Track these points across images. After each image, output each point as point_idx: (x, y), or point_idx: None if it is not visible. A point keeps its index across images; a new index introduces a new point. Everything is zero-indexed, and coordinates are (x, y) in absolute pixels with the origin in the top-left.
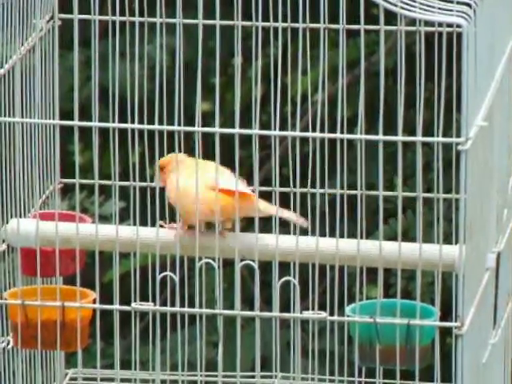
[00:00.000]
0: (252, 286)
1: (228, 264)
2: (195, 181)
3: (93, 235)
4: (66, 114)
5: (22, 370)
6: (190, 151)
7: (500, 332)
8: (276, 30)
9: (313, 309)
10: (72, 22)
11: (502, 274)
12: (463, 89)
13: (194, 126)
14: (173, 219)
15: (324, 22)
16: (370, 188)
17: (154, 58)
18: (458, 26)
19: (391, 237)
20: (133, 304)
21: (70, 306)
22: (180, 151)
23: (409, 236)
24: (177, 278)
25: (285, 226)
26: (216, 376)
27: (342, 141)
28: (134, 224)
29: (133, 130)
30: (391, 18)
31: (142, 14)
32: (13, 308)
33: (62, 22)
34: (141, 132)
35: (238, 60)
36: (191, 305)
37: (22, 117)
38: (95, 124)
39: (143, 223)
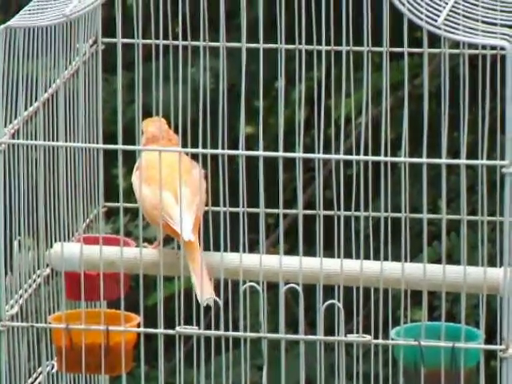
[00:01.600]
0: (296, 309)
1: (272, 287)
2: (156, 190)
3: (137, 259)
4: (110, 138)
5: None
6: (233, 175)
7: None
8: (319, 52)
9: (357, 332)
10: (115, 45)
11: None
12: (507, 111)
13: (237, 149)
14: (217, 243)
15: (367, 45)
16: (413, 211)
17: (197, 80)
18: (502, 48)
19: (435, 259)
20: (177, 328)
21: (115, 329)
22: (224, 175)
23: (453, 258)
24: (221, 302)
25: (329, 249)
26: None
27: (385, 163)
28: (178, 248)
29: None
30: (435, 40)
31: (185, 38)
32: (57, 332)
33: (105, 46)
34: None
35: (281, 83)
36: (235, 328)
37: (66, 141)
38: (139, 148)
39: None
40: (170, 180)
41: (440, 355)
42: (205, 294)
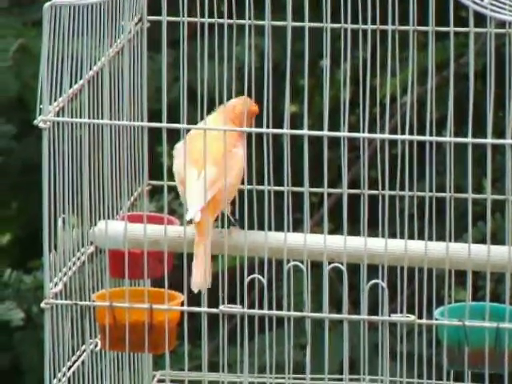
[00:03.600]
0: (340, 288)
1: (316, 266)
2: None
3: (181, 237)
4: (154, 116)
5: (110, 372)
6: (278, 153)
7: None
8: (365, 32)
9: (401, 312)
10: (160, 23)
11: None
12: None
13: (282, 128)
14: (261, 221)
15: (413, 25)
16: (458, 190)
17: (242, 59)
18: None
19: (480, 239)
20: (221, 306)
21: (158, 308)
22: (268, 154)
23: (497, 239)
24: (265, 281)
25: (373, 229)
26: (304, 378)
27: (430, 143)
28: (222, 226)
29: None
30: (480, 19)
31: (230, 16)
32: (101, 310)
33: (150, 24)
34: None
35: (326, 62)
36: (279, 307)
37: (111, 119)
38: (183, 126)
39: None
40: (201, 157)
41: (484, 335)
42: (197, 279)
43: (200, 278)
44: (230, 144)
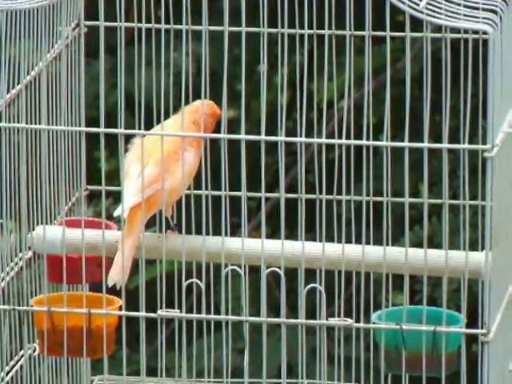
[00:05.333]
0: (278, 292)
1: (254, 271)
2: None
3: (118, 242)
4: (92, 121)
5: (48, 377)
6: (215, 157)
7: None
8: (302, 36)
9: (338, 315)
10: (98, 28)
11: None
12: (489, 95)
13: (219, 132)
14: (199, 226)
15: (350, 29)
16: (395, 195)
17: (179, 65)
18: (484, 32)
19: (417, 243)
20: (159, 311)
21: (96, 312)
22: (206, 158)
23: (434, 243)
24: (203, 285)
25: (311, 233)
26: (242, 383)
27: (367, 147)
28: (160, 231)
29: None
30: (417, 24)
31: (167, 21)
32: (39, 315)
33: (87, 29)
34: None
35: (263, 67)
36: (217, 311)
37: (48, 124)
38: (121, 131)
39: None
40: (147, 156)
41: (421, 339)
42: (114, 274)
43: (117, 273)
44: (178, 146)
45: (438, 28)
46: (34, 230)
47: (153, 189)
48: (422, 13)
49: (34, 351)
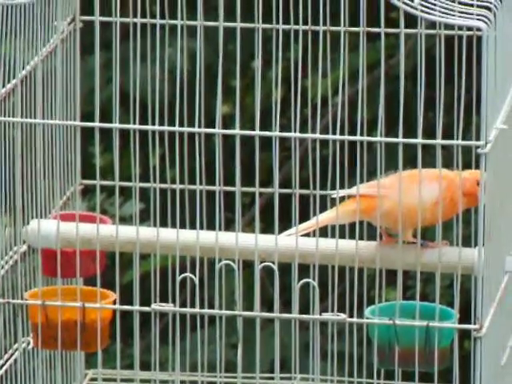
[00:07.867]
0: (271, 287)
1: (247, 265)
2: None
3: (113, 236)
4: (87, 116)
5: (42, 371)
6: (210, 153)
7: None
8: (296, 32)
9: (332, 311)
10: (93, 24)
11: None
12: (483, 92)
13: (214, 128)
14: (193, 221)
15: (344, 25)
16: None
17: (174, 60)
18: (478, 29)
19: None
20: (153, 305)
21: (91, 306)
22: (200, 154)
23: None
24: (196, 279)
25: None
26: (235, 377)
27: (361, 143)
28: (154, 225)
29: (153, 132)
30: (411, 21)
31: (163, 17)
32: (33, 308)
33: (83, 24)
34: (161, 134)
35: (258, 63)
36: (211, 306)
37: (44, 118)
38: (116, 125)
39: (163, 224)
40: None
41: (414, 334)
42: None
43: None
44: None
45: (432, 24)
46: (28, 224)
47: (374, 192)
48: (416, 9)
49: (28, 345)
